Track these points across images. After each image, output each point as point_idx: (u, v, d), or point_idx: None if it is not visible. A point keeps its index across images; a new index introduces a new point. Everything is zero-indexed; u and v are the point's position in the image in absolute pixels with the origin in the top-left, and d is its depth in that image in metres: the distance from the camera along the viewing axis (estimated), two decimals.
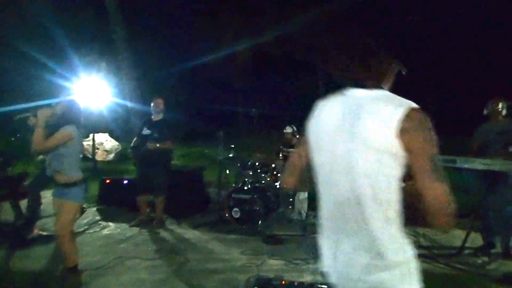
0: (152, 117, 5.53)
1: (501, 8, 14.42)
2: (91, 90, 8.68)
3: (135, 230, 5.34)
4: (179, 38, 17.13)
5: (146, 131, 5.43)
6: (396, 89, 1.50)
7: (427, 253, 4.49)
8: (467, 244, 4.40)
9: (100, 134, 12.10)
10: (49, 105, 3.47)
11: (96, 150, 11.23)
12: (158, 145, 5.22)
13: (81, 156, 3.66)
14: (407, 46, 13.79)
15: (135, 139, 5.58)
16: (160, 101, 5.47)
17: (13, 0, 12.85)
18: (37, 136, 3.30)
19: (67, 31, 13.07)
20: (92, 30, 14.32)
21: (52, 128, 3.38)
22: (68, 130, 3.41)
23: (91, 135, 10.63)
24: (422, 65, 14.20)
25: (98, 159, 11.46)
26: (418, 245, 4.77)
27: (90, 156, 10.81)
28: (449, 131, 8.53)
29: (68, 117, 3.48)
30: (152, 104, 5.48)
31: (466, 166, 3.86)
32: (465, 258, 4.30)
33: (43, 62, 12.41)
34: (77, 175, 3.51)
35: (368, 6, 15.37)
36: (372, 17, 15.30)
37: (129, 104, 11.77)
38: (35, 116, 3.39)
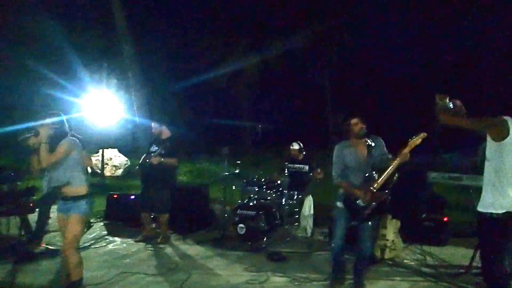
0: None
1: None
2: (101, 106, 8.85)
3: (140, 245, 5.36)
4: (187, 55, 17.41)
5: (154, 148, 5.53)
6: None
7: (433, 272, 4.43)
8: (474, 263, 4.33)
9: (109, 149, 12.23)
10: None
11: (105, 166, 11.34)
12: (162, 159, 5.28)
13: (89, 170, 3.70)
14: None
15: (144, 156, 5.66)
16: (159, 130, 5.58)
17: (24, 17, 13.16)
18: (43, 152, 3.37)
19: (78, 48, 13.36)
20: (103, 47, 14.64)
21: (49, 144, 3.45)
22: (67, 142, 3.52)
23: (100, 151, 10.75)
24: None
25: (107, 175, 11.56)
26: (424, 264, 4.72)
27: (99, 171, 10.92)
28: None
29: (62, 132, 3.58)
30: (153, 131, 5.61)
31: (473, 183, 3.82)
32: (472, 278, 4.21)
33: (54, 79, 12.66)
34: (84, 186, 3.59)
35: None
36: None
37: (137, 120, 11.93)
38: (36, 135, 3.44)
